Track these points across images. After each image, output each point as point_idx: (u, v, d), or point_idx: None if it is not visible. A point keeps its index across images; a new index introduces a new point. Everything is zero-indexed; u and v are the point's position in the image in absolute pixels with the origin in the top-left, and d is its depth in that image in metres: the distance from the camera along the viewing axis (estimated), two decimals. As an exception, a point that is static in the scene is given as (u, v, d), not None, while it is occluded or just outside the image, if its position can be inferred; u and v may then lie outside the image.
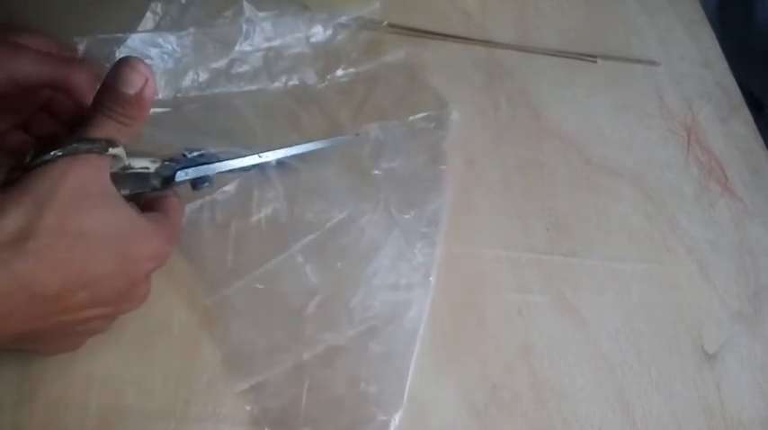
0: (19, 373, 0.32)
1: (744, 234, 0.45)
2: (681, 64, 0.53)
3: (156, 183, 0.33)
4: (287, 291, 0.36)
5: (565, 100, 0.49)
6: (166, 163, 0.33)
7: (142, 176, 0.32)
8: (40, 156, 0.26)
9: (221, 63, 0.43)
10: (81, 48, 0.40)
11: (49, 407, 0.32)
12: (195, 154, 0.35)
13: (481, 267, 0.40)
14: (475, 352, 0.37)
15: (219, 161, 0.35)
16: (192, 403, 0.33)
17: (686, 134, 0.49)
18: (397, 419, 0.34)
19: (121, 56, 0.40)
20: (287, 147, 0.38)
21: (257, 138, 0.41)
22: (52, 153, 0.26)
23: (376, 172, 0.41)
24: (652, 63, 0.53)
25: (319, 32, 0.47)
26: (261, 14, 0.45)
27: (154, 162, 0.32)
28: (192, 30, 0.43)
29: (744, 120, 0.51)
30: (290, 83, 0.45)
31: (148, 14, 0.43)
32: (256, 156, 0.37)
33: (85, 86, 0.32)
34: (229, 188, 0.38)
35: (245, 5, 0.44)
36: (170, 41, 0.42)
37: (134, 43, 0.41)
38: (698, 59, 0.54)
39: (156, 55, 0.42)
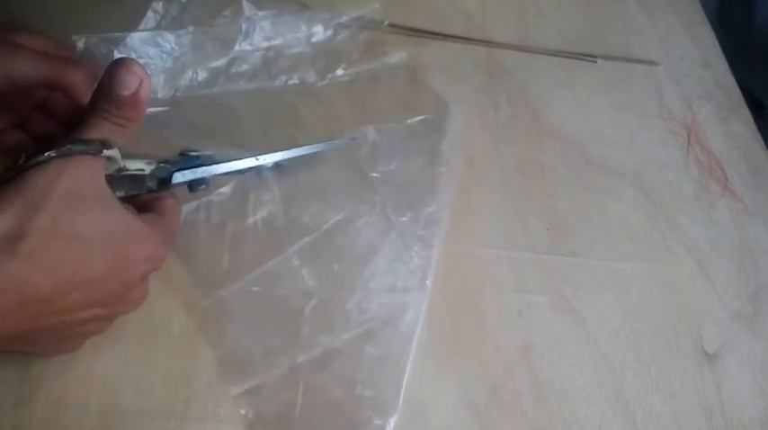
0: (19, 373, 0.32)
1: (744, 234, 0.45)
2: (681, 64, 0.53)
3: (152, 184, 0.33)
4: (283, 294, 0.36)
5: (565, 100, 0.49)
6: (162, 164, 0.33)
7: (138, 178, 0.32)
8: (33, 158, 0.26)
9: (221, 62, 0.43)
10: (80, 47, 0.40)
11: (49, 406, 0.32)
12: (192, 155, 0.35)
13: (481, 267, 0.40)
14: (475, 352, 0.37)
15: (216, 163, 0.35)
16: (192, 403, 0.33)
17: (686, 134, 0.49)
18: (392, 423, 0.34)
19: (120, 55, 0.41)
20: (283, 150, 0.38)
21: (256, 137, 0.41)
22: (46, 154, 0.26)
23: (373, 174, 0.41)
24: (652, 63, 0.53)
25: (319, 32, 0.47)
26: (261, 14, 0.45)
27: (149, 164, 0.32)
28: (191, 29, 0.43)
29: (744, 121, 0.51)
30: (290, 82, 0.45)
31: (149, 14, 0.43)
32: (253, 158, 0.37)
33: (82, 86, 0.32)
34: (225, 190, 0.38)
35: (245, 5, 0.44)
36: (169, 40, 0.42)
37: (133, 42, 0.41)
38: (698, 59, 0.54)
39: (155, 54, 0.42)
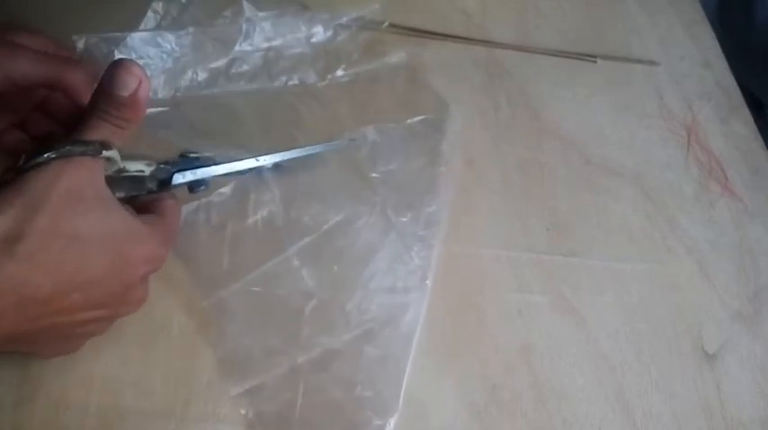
0: (19, 374, 0.32)
1: (744, 234, 0.45)
2: (681, 64, 0.53)
3: (152, 186, 0.33)
4: (283, 294, 0.36)
5: (565, 100, 0.49)
6: (161, 166, 0.33)
7: (138, 179, 0.32)
8: (33, 159, 0.26)
9: (221, 63, 0.44)
10: (80, 47, 0.40)
11: (49, 407, 0.32)
12: (191, 157, 0.35)
13: (481, 267, 0.40)
14: (475, 352, 0.37)
15: (217, 164, 0.35)
16: (192, 403, 0.33)
17: (686, 134, 0.49)
18: (392, 423, 0.34)
19: (121, 55, 0.41)
20: (283, 151, 0.38)
21: (256, 137, 0.41)
22: (45, 155, 0.26)
23: (373, 175, 0.41)
24: (652, 63, 0.53)
25: (320, 32, 0.47)
26: (261, 14, 0.45)
27: (149, 165, 0.32)
28: (191, 29, 0.43)
29: (744, 120, 0.51)
30: (290, 83, 0.45)
31: (149, 14, 0.43)
32: (253, 159, 0.37)
33: (82, 86, 0.32)
34: (225, 190, 0.38)
35: (245, 5, 0.44)
36: (169, 41, 0.42)
37: (133, 42, 0.41)
38: (698, 59, 0.54)
39: (156, 54, 0.42)
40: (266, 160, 0.37)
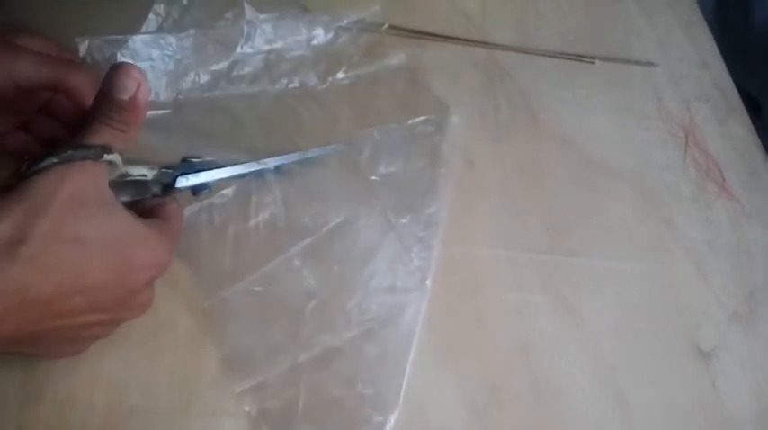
0: (24, 374, 0.32)
1: (741, 235, 0.45)
2: (679, 65, 0.54)
3: (156, 189, 0.33)
4: (284, 294, 0.36)
5: (564, 101, 0.49)
6: (164, 170, 0.33)
7: (141, 184, 0.32)
8: (35, 164, 0.26)
9: (222, 65, 0.44)
10: (82, 49, 0.40)
11: (55, 406, 0.32)
12: (194, 161, 0.35)
13: (481, 267, 0.41)
14: (475, 352, 0.38)
15: (219, 167, 0.35)
16: (196, 401, 0.33)
17: (684, 135, 0.49)
18: (392, 420, 0.34)
19: (123, 58, 0.41)
20: (284, 155, 0.38)
21: (257, 140, 0.41)
22: (48, 160, 0.26)
23: (373, 177, 0.41)
24: (651, 64, 0.53)
25: (320, 35, 0.47)
26: (262, 17, 0.45)
27: (152, 169, 0.33)
28: (192, 31, 0.43)
29: (741, 122, 0.51)
30: (291, 86, 0.45)
31: (151, 16, 0.43)
32: (255, 162, 0.37)
33: (84, 88, 0.33)
34: (227, 192, 0.39)
35: (246, 7, 0.44)
36: (170, 43, 0.42)
37: (135, 45, 0.41)
38: (696, 61, 0.54)
39: (157, 56, 0.42)
40: (268, 163, 0.38)
